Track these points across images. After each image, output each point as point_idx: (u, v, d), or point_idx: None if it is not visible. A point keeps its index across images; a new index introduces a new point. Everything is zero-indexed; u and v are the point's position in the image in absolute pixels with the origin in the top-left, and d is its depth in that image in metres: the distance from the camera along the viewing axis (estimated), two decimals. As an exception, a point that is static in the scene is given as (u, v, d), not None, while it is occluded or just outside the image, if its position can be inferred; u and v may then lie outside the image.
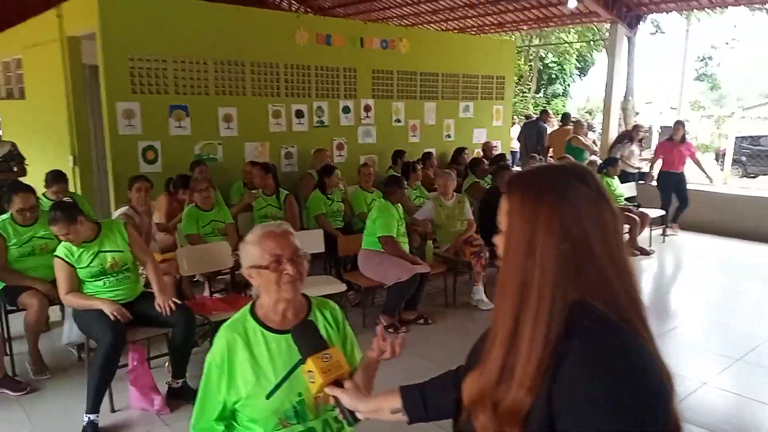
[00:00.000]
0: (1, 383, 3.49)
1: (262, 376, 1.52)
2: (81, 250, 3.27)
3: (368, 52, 7.11)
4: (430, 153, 7.56)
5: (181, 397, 3.39)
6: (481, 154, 8.21)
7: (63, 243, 3.29)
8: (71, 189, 5.21)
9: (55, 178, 4.73)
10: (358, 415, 1.34)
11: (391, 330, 4.44)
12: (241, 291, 4.50)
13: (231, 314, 3.75)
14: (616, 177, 7.20)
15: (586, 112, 26.96)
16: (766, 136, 15.91)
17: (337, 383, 1.36)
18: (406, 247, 4.85)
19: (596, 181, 0.97)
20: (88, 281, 3.32)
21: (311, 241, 4.49)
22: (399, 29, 9.04)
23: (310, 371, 1.38)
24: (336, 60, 6.83)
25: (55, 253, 3.32)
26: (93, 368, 3.14)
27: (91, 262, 3.29)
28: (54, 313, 4.17)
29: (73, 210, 3.24)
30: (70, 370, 3.80)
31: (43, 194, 4.59)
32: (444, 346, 4.21)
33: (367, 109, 7.26)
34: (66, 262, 3.26)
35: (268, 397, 1.51)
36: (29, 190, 3.97)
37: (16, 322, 3.89)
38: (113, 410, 3.30)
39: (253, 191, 5.33)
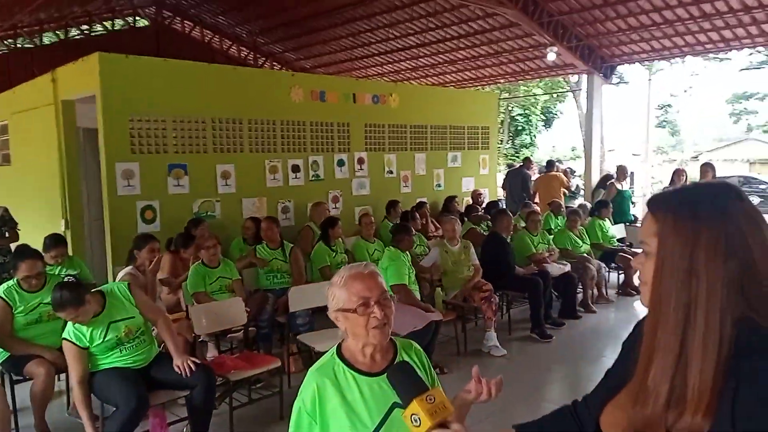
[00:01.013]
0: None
1: (357, 421, 1.46)
2: (91, 328, 3.13)
3: (360, 107, 7.26)
4: (423, 202, 7.63)
5: (205, 462, 3.21)
6: (470, 202, 8.33)
7: (71, 324, 3.14)
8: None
9: (55, 242, 4.59)
10: None
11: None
12: (254, 348, 4.38)
13: (250, 373, 3.68)
14: (607, 219, 7.36)
15: (556, 160, 27.83)
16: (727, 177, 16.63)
17: (442, 425, 1.32)
18: (417, 295, 4.81)
19: (748, 197, 0.98)
20: (103, 354, 3.18)
21: (324, 295, 4.41)
22: (389, 85, 9.28)
23: (414, 414, 1.33)
24: (330, 115, 6.95)
25: (63, 336, 3.17)
26: (111, 430, 2.99)
27: (105, 337, 3.15)
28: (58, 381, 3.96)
29: (80, 291, 3.07)
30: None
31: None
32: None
33: (361, 161, 7.34)
34: (77, 345, 3.10)
35: (369, 440, 1.45)
36: (36, 256, 3.84)
37: (22, 392, 3.67)
38: (134, 481, 3.10)
39: (259, 257, 5.22)
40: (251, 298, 4.75)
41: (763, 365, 0.86)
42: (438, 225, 7.04)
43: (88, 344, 3.12)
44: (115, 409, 3.04)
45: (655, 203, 0.99)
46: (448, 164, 8.54)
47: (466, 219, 7.14)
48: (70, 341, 3.10)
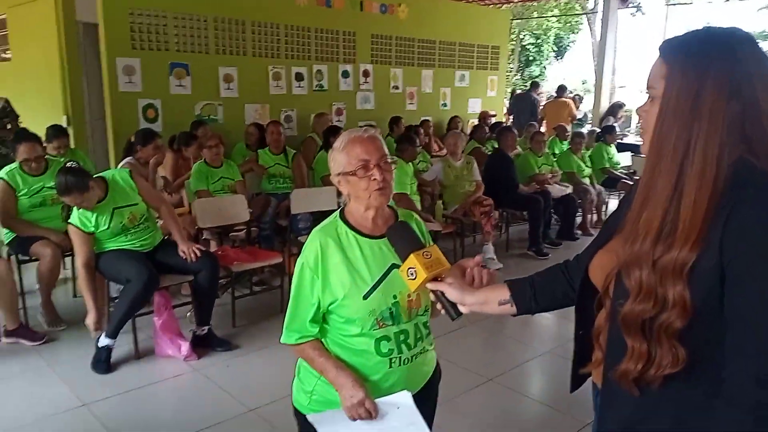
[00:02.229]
0: (17, 333, 3.37)
1: (358, 277, 1.50)
2: (96, 213, 3.15)
3: (367, 15, 7.01)
4: (427, 120, 7.53)
5: (206, 344, 3.34)
6: (476, 123, 8.21)
7: (76, 210, 3.15)
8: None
9: (56, 133, 4.56)
10: (461, 309, 1.33)
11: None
12: (257, 245, 4.44)
13: (252, 266, 3.75)
14: (613, 145, 7.29)
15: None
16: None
17: (437, 279, 1.35)
18: (418, 206, 4.84)
19: (758, 44, 0.96)
20: (112, 239, 3.22)
21: (326, 199, 4.43)
22: (397, -6, 8.93)
23: (411, 268, 1.36)
24: (335, 23, 6.72)
25: (69, 221, 3.19)
26: (121, 301, 3.13)
27: (110, 223, 3.18)
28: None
29: (84, 177, 3.06)
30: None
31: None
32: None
33: (366, 74, 7.18)
34: (82, 229, 3.13)
35: (365, 297, 1.48)
36: (35, 139, 3.82)
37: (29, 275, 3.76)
38: (138, 357, 3.23)
39: (261, 163, 5.18)
40: (253, 200, 4.77)
41: (755, 193, 0.88)
42: (441, 145, 6.99)
43: (93, 229, 3.15)
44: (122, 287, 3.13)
45: (666, 47, 0.99)
46: (456, 83, 8.36)
47: (471, 139, 7.07)
48: (75, 226, 3.13)
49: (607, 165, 7.06)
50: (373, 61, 7.21)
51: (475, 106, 8.67)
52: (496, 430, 2.70)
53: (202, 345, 3.33)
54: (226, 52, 5.88)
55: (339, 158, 1.55)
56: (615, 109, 9.12)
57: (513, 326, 3.89)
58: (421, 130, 6.62)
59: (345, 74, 6.96)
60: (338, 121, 6.93)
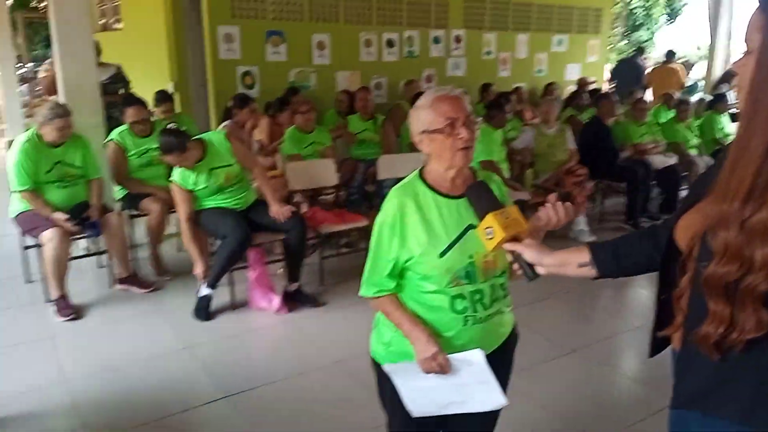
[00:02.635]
0: (128, 281, 3.72)
1: (434, 236, 1.51)
2: (195, 172, 3.37)
3: (461, -22, 6.85)
4: (520, 87, 7.29)
5: (296, 299, 3.51)
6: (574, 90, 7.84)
7: (176, 168, 3.39)
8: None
9: (163, 98, 4.90)
10: (539, 270, 1.31)
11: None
12: (345, 209, 4.56)
13: (339, 228, 3.87)
14: (725, 114, 6.71)
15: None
16: None
17: (515, 239, 1.34)
18: (506, 174, 4.74)
19: None
20: (210, 198, 3.44)
21: (413, 165, 4.41)
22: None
23: (488, 228, 1.35)
24: (429, -13, 6.62)
25: (171, 178, 3.44)
26: (218, 255, 3.37)
27: (207, 182, 3.39)
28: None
29: (183, 138, 3.29)
30: (189, 274, 4.00)
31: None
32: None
33: (458, 39, 7.04)
34: (183, 186, 3.37)
35: (441, 255, 1.49)
36: (141, 103, 4.11)
37: (138, 230, 4.10)
38: (234, 308, 3.46)
39: (350, 130, 5.28)
40: (342, 165, 4.89)
41: None
42: (535, 113, 6.76)
43: (192, 187, 3.38)
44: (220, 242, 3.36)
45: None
46: (552, 48, 8.00)
47: (568, 106, 6.78)
48: (176, 183, 3.37)
49: (718, 135, 6.52)
50: (465, 26, 7.06)
51: (573, 73, 8.27)
52: (577, 401, 2.66)
53: (292, 300, 3.50)
54: (319, 19, 5.98)
55: (423, 116, 1.54)
56: (729, 76, 8.35)
57: (605, 298, 3.76)
58: (513, 97, 6.42)
59: (436, 40, 6.87)
60: (428, 88, 6.85)
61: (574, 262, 1.28)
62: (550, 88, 7.39)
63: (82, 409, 2.53)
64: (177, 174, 3.38)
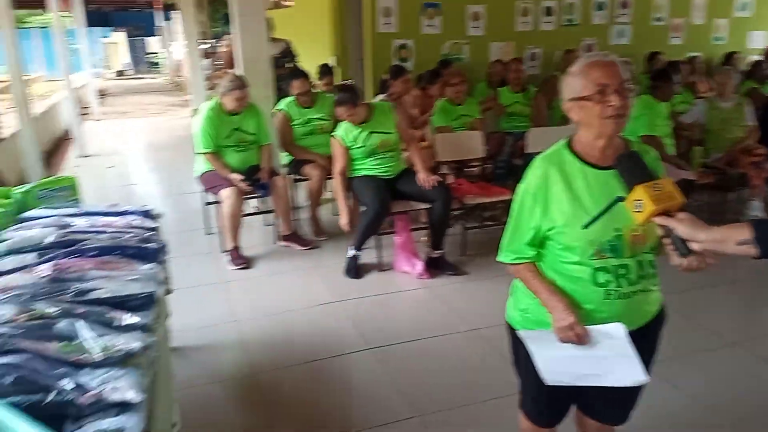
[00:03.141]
0: (290, 238, 4.12)
1: (579, 207, 1.49)
2: (358, 130, 3.61)
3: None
4: (695, 56, 6.60)
5: (438, 266, 3.64)
6: (759, 60, 6.91)
7: (342, 125, 3.64)
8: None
9: (326, 71, 5.24)
10: (693, 246, 1.24)
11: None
12: (490, 181, 4.57)
13: (483, 200, 3.90)
14: None
15: None
16: None
17: (666, 214, 1.28)
18: (671, 151, 4.39)
19: None
20: (360, 159, 3.66)
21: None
22: None
23: (637, 200, 1.31)
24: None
25: (333, 133, 3.71)
26: (362, 223, 3.61)
27: (365, 142, 3.62)
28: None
29: (355, 94, 3.60)
30: (342, 235, 4.32)
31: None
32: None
33: (624, 5, 6.55)
34: (343, 142, 3.62)
35: (585, 227, 1.48)
36: (305, 76, 4.45)
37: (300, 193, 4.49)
38: (380, 270, 3.69)
39: (500, 102, 5.22)
40: (490, 138, 4.87)
41: None
42: (710, 85, 6.10)
43: (350, 144, 3.64)
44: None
45: None
46: (735, 13, 7.12)
47: (749, 78, 6.02)
48: (338, 138, 3.65)
49: None
50: (634, -11, 6.53)
51: (757, 40, 7.29)
52: (731, 397, 2.47)
53: (435, 267, 3.64)
54: (475, -12, 5.93)
55: (574, 82, 1.50)
56: None
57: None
58: (686, 67, 5.85)
59: (599, 6, 6.46)
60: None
61: (733, 238, 1.20)
62: (731, 58, 6.60)
63: (248, 346, 2.91)
64: (341, 129, 3.67)
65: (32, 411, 0.92)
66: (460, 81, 4.73)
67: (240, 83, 3.84)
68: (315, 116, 4.37)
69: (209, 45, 11.03)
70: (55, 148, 8.16)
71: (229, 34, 6.92)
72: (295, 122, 4.36)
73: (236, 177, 3.79)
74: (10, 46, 4.63)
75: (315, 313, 3.21)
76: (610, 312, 1.50)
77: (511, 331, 1.69)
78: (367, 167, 3.67)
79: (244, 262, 3.82)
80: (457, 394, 2.46)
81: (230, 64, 6.08)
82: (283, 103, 4.39)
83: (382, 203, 3.54)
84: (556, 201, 1.51)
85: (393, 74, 4.66)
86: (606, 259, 1.49)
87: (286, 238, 4.13)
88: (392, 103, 4.00)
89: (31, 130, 4.83)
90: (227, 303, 3.35)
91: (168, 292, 2.01)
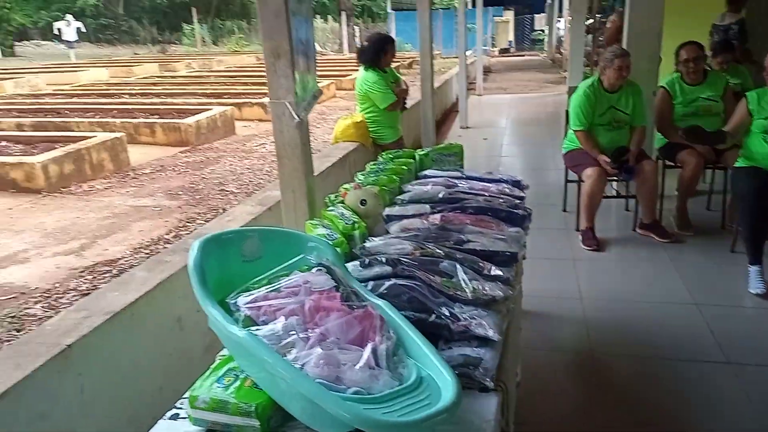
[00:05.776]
0: (650, 228, 3.88)
1: None
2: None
3: None
4: None
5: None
6: None
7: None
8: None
9: (723, 48, 4.59)
10: None
11: None
12: None
13: None
14: None
15: None
16: None
17: None
18: None
19: None
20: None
21: None
22: None
23: None
24: None
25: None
26: (739, 223, 3.19)
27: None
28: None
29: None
30: (714, 234, 3.87)
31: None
32: None
33: None
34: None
35: None
36: (697, 44, 3.97)
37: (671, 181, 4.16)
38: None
39: None
40: None
41: None
42: None
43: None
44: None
45: None
46: None
47: None
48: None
49: None
50: None
51: None
52: None
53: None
54: None
55: None
56: None
57: None
58: None
59: None
60: None
61: None
62: None
63: (591, 325, 2.92)
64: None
65: (418, 325, 1.18)
66: None
67: (620, 52, 3.74)
68: (703, 95, 3.93)
69: (594, 21, 10.77)
70: (443, 118, 9.37)
71: (615, 9, 6.68)
72: (676, 101, 4.00)
73: (603, 157, 3.74)
74: (425, 27, 5.42)
75: (667, 309, 3.01)
76: None
77: None
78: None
79: (596, 243, 3.79)
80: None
81: (612, 41, 5.89)
82: (665, 80, 4.08)
83: (754, 195, 3.04)
84: None
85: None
86: None
87: (645, 226, 3.91)
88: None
89: (431, 102, 5.63)
90: (574, 280, 3.40)
91: (523, 257, 2.20)
